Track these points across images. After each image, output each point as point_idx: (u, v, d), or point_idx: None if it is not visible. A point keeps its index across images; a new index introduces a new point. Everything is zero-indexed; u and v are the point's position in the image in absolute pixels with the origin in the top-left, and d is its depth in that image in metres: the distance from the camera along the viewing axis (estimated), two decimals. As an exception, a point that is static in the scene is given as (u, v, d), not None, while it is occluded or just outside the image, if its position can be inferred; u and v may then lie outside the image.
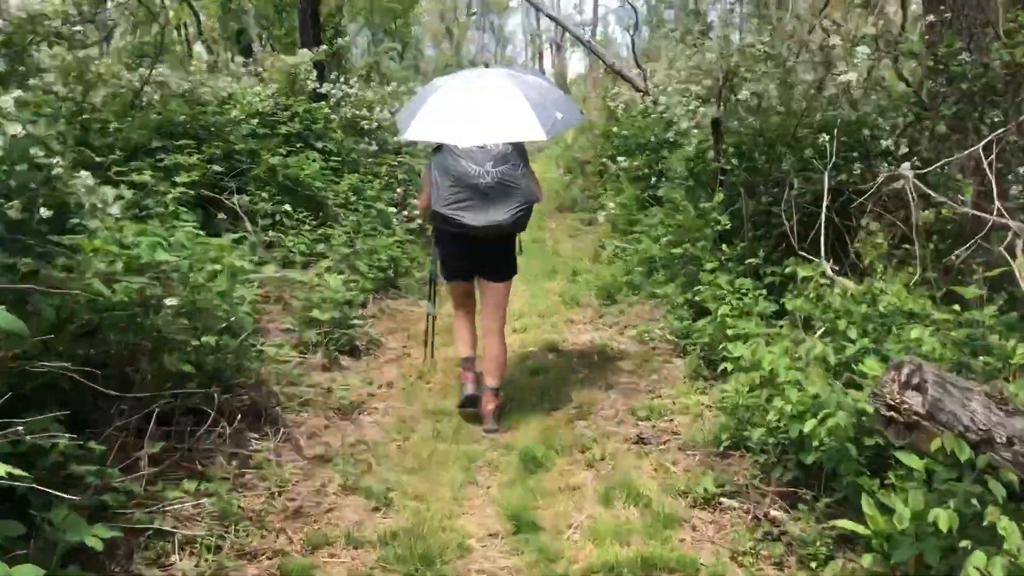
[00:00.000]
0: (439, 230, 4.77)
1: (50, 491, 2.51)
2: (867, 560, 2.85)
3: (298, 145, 9.36)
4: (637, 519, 3.52)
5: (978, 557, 2.44)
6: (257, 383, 4.63)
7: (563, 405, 4.88)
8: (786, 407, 3.73)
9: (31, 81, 5.55)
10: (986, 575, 2.43)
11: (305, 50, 10.71)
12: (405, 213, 9.69)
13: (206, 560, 3.12)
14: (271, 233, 6.89)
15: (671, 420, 4.59)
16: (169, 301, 4.16)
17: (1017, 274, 3.59)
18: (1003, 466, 2.50)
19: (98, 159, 6.04)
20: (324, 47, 11.37)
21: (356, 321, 5.90)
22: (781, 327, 5.13)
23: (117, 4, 8.74)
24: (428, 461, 4.18)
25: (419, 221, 9.63)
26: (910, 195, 4.49)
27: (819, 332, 4.73)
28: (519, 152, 4.62)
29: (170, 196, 5.83)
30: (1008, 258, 3.65)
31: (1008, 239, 3.73)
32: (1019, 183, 4.82)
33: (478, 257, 4.74)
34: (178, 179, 6.14)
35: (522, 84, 4.62)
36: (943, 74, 4.95)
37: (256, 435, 4.26)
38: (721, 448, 4.10)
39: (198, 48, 20.34)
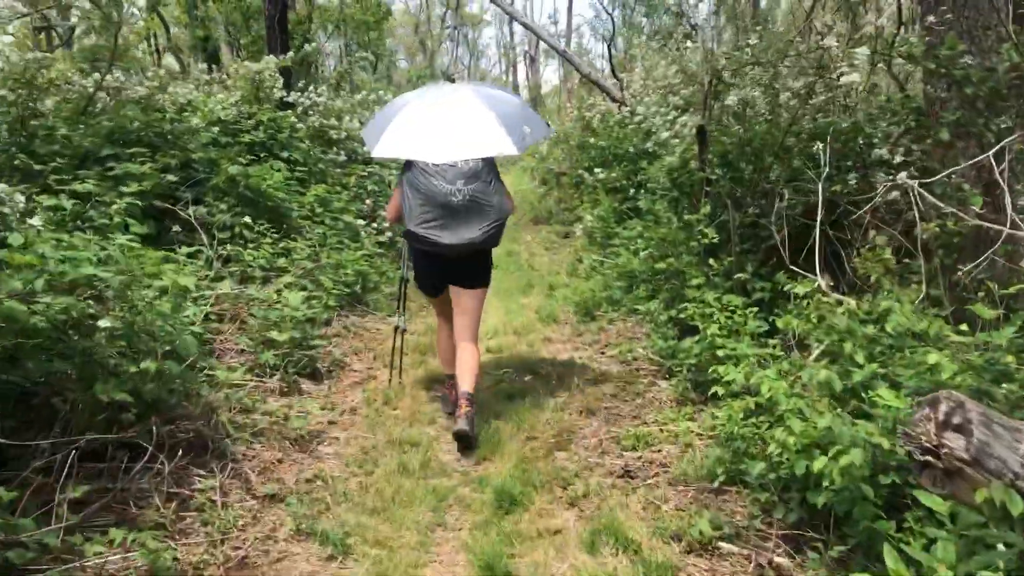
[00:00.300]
0: (412, 246, 4.73)
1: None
2: (893, 622, 2.48)
3: (262, 155, 8.96)
4: (627, 569, 3.12)
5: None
6: (205, 412, 4.20)
7: (541, 433, 4.49)
8: (789, 439, 3.37)
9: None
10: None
11: (270, 56, 10.28)
12: (375, 225, 9.28)
13: (130, 626, 2.70)
14: (229, 246, 6.45)
15: (659, 450, 4.22)
16: (102, 323, 3.74)
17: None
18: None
19: (37, 167, 5.59)
20: (290, 54, 10.93)
21: (318, 342, 5.48)
22: (774, 347, 4.81)
23: (64, 5, 8.30)
24: (392, 500, 3.77)
25: (388, 234, 9.24)
26: (915, 206, 4.17)
27: (815, 353, 4.41)
28: (490, 167, 4.55)
29: (115, 207, 5.39)
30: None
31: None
32: (1026, 194, 4.53)
33: (451, 271, 4.73)
34: (125, 189, 5.69)
35: (489, 99, 4.60)
36: (944, 78, 4.65)
37: (201, 471, 3.83)
38: (716, 483, 3.73)
39: (169, 58, 19.87)
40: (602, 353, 5.88)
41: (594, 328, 6.54)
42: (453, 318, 4.85)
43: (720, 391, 4.36)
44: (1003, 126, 4.29)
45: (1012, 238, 3.88)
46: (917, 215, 4.26)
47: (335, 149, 10.78)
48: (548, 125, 5.30)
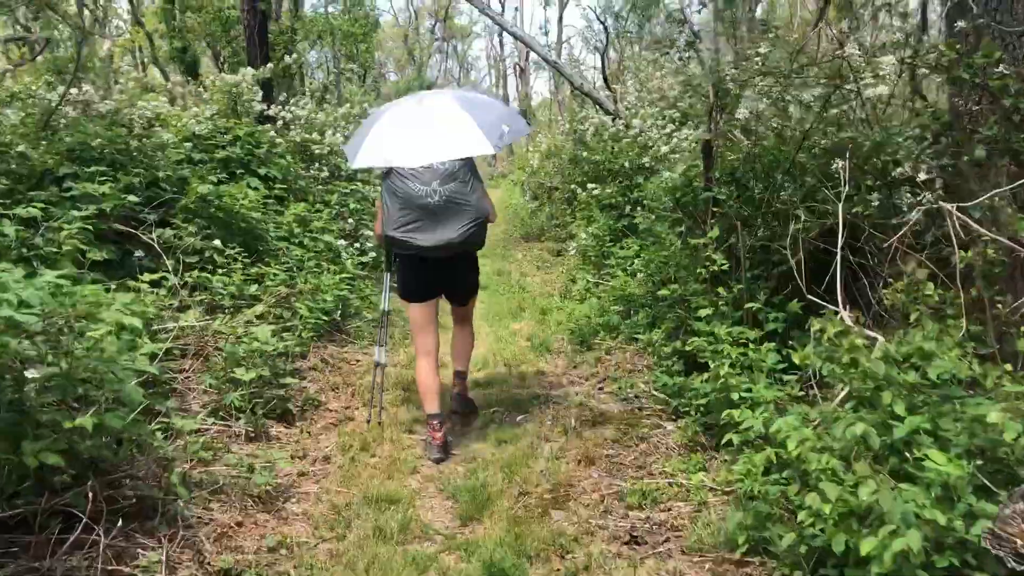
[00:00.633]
0: (397, 254, 4.74)
1: None
2: None
3: (239, 171, 8.48)
4: (638, 670, 2.65)
5: None
6: (156, 468, 3.70)
7: (535, 487, 4.01)
8: (824, 507, 2.91)
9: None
10: None
11: (247, 68, 9.82)
12: (357, 245, 8.81)
13: None
14: (196, 273, 5.96)
15: (668, 508, 3.74)
16: (31, 373, 3.27)
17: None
18: None
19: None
20: (269, 65, 10.47)
21: (290, 379, 5.00)
22: (792, 386, 4.35)
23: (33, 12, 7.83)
24: (366, 573, 3.28)
25: (372, 254, 8.77)
26: (952, 231, 3.74)
27: (840, 396, 3.96)
28: (467, 168, 4.57)
29: (64, 233, 4.91)
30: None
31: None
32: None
33: (436, 276, 4.70)
34: (77, 212, 5.20)
35: (464, 101, 4.65)
36: (977, 89, 4.22)
37: (147, 540, 3.34)
38: (737, 554, 3.26)
39: (154, 71, 19.38)
40: (600, 388, 5.40)
41: (591, 359, 6.07)
42: (452, 316, 5.05)
43: (735, 439, 3.90)
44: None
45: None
46: (955, 241, 3.81)
47: (317, 165, 10.32)
48: (528, 123, 5.27)
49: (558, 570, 3.28)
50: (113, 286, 5.22)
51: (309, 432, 4.77)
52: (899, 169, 4.79)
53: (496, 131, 4.48)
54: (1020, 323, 3.78)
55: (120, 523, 3.25)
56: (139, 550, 3.24)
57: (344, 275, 7.32)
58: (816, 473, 3.13)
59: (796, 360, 4.47)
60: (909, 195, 4.53)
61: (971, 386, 3.32)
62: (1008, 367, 3.34)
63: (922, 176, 4.75)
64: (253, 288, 6.08)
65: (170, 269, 5.80)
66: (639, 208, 8.89)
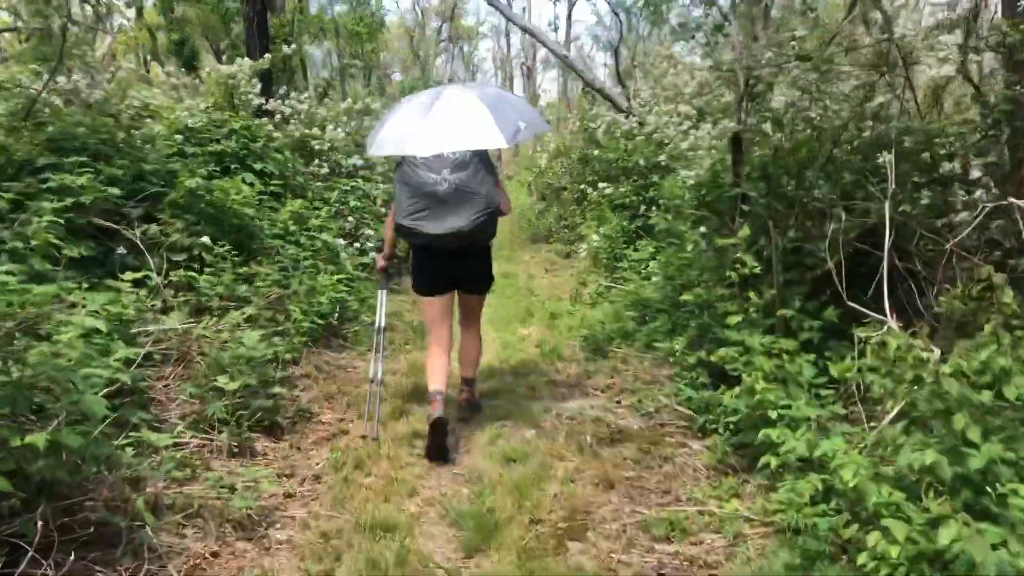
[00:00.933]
0: (409, 245, 4.78)
1: None
2: None
3: (233, 166, 8.07)
4: None
5: None
6: (122, 490, 3.28)
7: (548, 514, 3.58)
8: (890, 550, 2.49)
9: None
10: None
11: (244, 60, 9.41)
12: (357, 245, 8.39)
13: None
14: (182, 271, 5.54)
15: (699, 541, 3.31)
16: (-28, 383, 2.86)
17: None
18: None
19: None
20: (267, 56, 10.07)
21: (279, 389, 4.57)
22: (833, 402, 3.93)
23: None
24: (356, 616, 2.86)
25: (372, 255, 8.34)
26: (1024, 232, 3.32)
27: (892, 414, 3.54)
28: (480, 158, 4.49)
29: (33, 227, 4.50)
30: None
31: None
32: None
33: (447, 268, 4.63)
34: (47, 204, 4.79)
35: (482, 94, 4.59)
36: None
37: (108, 573, 2.92)
38: (784, 601, 2.83)
39: (156, 68, 19.00)
40: (618, 402, 4.97)
41: (606, 368, 5.64)
42: (458, 312, 4.89)
43: (772, 462, 3.48)
44: None
45: None
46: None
47: (317, 161, 9.90)
48: (547, 122, 5.15)
49: (577, 616, 2.85)
50: (87, 285, 4.85)
51: (299, 447, 4.35)
52: (949, 164, 4.36)
53: (511, 126, 4.41)
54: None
55: (74, 555, 2.84)
56: (96, 587, 2.82)
57: (342, 276, 6.89)
58: (877, 508, 2.71)
59: (835, 372, 4.08)
60: (963, 193, 4.10)
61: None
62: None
63: (975, 173, 4.33)
64: (243, 289, 5.65)
65: (153, 267, 5.38)
66: (654, 208, 8.48)
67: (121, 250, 5.58)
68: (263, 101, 10.39)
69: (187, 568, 3.09)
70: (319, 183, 9.37)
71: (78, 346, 3.41)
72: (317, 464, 4.15)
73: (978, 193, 4.27)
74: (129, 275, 5.30)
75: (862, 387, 4.01)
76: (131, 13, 20.99)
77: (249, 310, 5.41)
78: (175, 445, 4.02)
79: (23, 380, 2.97)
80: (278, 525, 3.52)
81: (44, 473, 2.94)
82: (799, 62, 4.50)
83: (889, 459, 3.36)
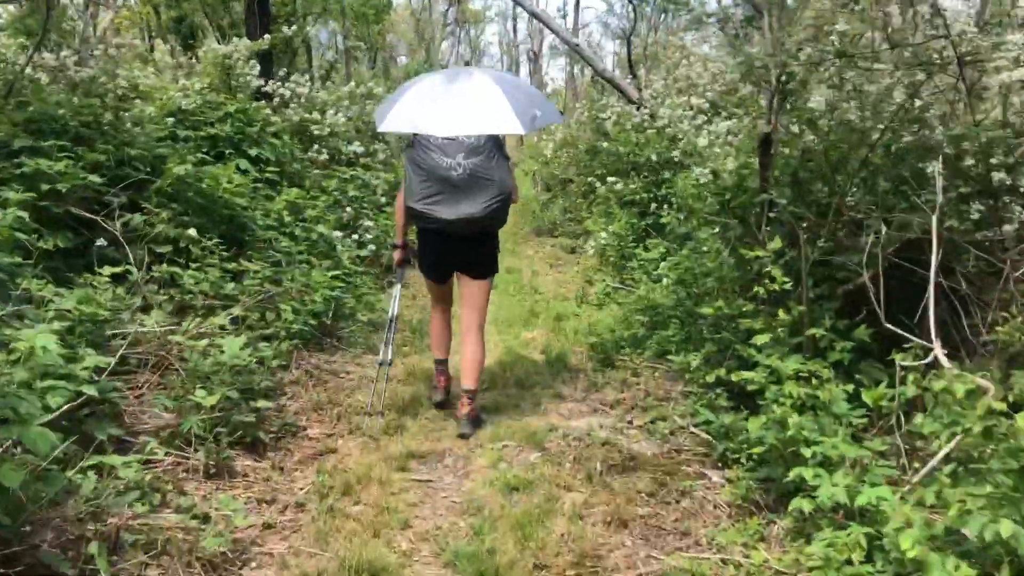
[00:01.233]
0: (418, 228, 4.71)
1: None
2: None
3: (228, 152, 7.70)
4: None
5: None
6: (76, 528, 2.93)
7: (554, 557, 3.22)
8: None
9: None
10: None
11: (242, 39, 9.01)
12: (355, 237, 8.01)
13: None
14: (165, 266, 5.17)
15: (724, 597, 2.96)
16: None
17: None
18: None
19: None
20: (267, 36, 9.66)
21: (263, 402, 4.20)
22: (874, 440, 3.56)
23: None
24: None
25: (371, 247, 7.99)
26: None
27: (939, 456, 3.19)
28: (494, 144, 4.45)
29: (-2, 217, 4.13)
30: None
31: None
32: None
33: (456, 253, 4.61)
34: (15, 195, 4.41)
35: (500, 80, 4.56)
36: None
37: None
38: None
39: (161, 46, 18.55)
40: (629, 422, 4.60)
41: (615, 380, 5.27)
42: (460, 307, 4.79)
43: (805, 506, 3.12)
44: None
45: None
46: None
47: (316, 147, 9.51)
48: (561, 113, 5.18)
49: None
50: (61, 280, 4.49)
51: (282, 467, 3.98)
52: (998, 176, 3.98)
53: (528, 113, 4.38)
54: None
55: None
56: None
57: (338, 271, 6.52)
58: (938, 580, 2.35)
59: (868, 400, 3.73)
60: (1020, 207, 3.72)
61: None
62: None
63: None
64: (230, 287, 5.29)
65: (133, 261, 5.01)
66: (666, 207, 8.09)
67: (101, 242, 5.21)
68: (262, 83, 10.00)
69: (147, 618, 2.73)
70: (317, 171, 8.98)
71: (43, 359, 3.05)
72: (301, 489, 3.79)
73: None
74: (107, 270, 4.95)
75: (901, 419, 3.66)
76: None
77: (236, 310, 5.05)
78: (147, 463, 3.68)
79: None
80: (254, 564, 3.17)
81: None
82: (839, 59, 4.12)
83: (937, 509, 3.02)
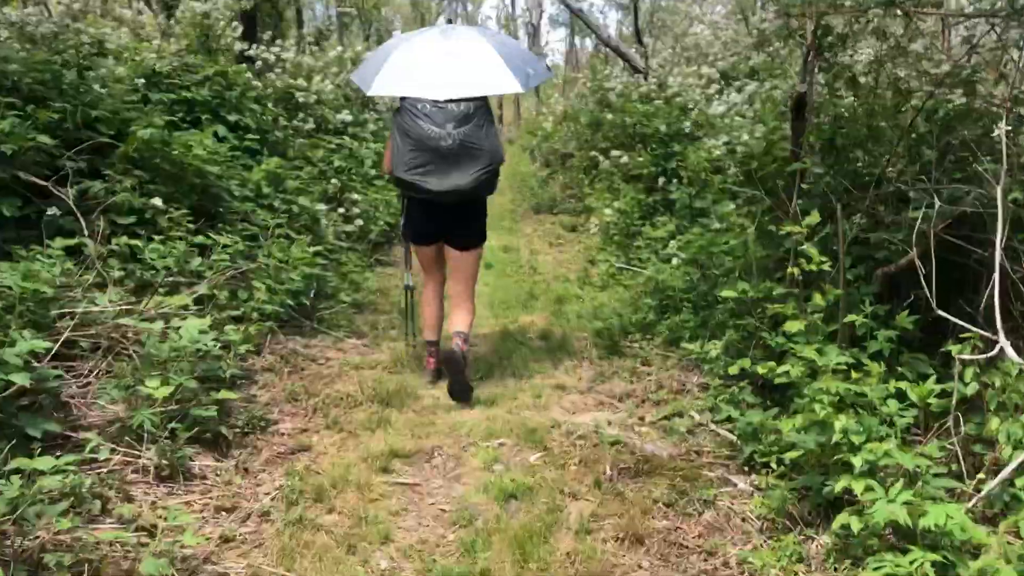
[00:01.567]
0: (406, 196, 4.63)
1: None
2: None
3: (205, 117, 7.16)
4: None
5: None
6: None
7: (560, 580, 2.75)
8: None
9: None
10: None
11: (223, -3, 8.44)
12: (341, 210, 7.49)
13: None
14: (124, 239, 4.65)
15: (762, 636, 2.48)
16: None
17: None
18: None
19: None
20: (251, -4, 9.09)
21: (226, 394, 3.69)
22: (931, 448, 3.08)
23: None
24: None
25: (359, 222, 7.47)
26: None
27: (1012, 465, 2.73)
28: (483, 111, 4.34)
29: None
30: None
31: None
32: None
33: (443, 221, 4.54)
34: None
35: (492, 39, 4.59)
36: None
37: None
38: None
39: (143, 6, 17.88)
40: (641, 418, 4.11)
41: (624, 370, 4.77)
42: (448, 279, 4.75)
43: (855, 525, 2.64)
44: None
45: None
46: None
47: (302, 115, 8.96)
48: (549, 69, 5.27)
49: None
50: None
51: (246, 468, 3.49)
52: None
53: (523, 72, 4.39)
54: None
55: None
56: None
57: (320, 247, 6.00)
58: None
59: (914, 397, 3.28)
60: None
61: None
62: None
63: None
64: (197, 262, 4.77)
65: (86, 233, 4.49)
66: (675, 181, 7.58)
67: (53, 211, 4.69)
68: (245, 47, 9.44)
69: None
70: (302, 139, 8.43)
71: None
72: (267, 495, 3.29)
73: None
74: (59, 242, 4.45)
75: (960, 421, 3.19)
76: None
77: (202, 288, 4.54)
78: (90, 464, 3.19)
79: None
80: (205, 588, 2.68)
81: None
82: (884, 7, 3.59)
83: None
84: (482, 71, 4.29)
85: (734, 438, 3.67)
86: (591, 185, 9.86)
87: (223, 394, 3.66)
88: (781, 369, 3.37)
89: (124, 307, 4.08)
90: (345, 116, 9.41)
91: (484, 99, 4.36)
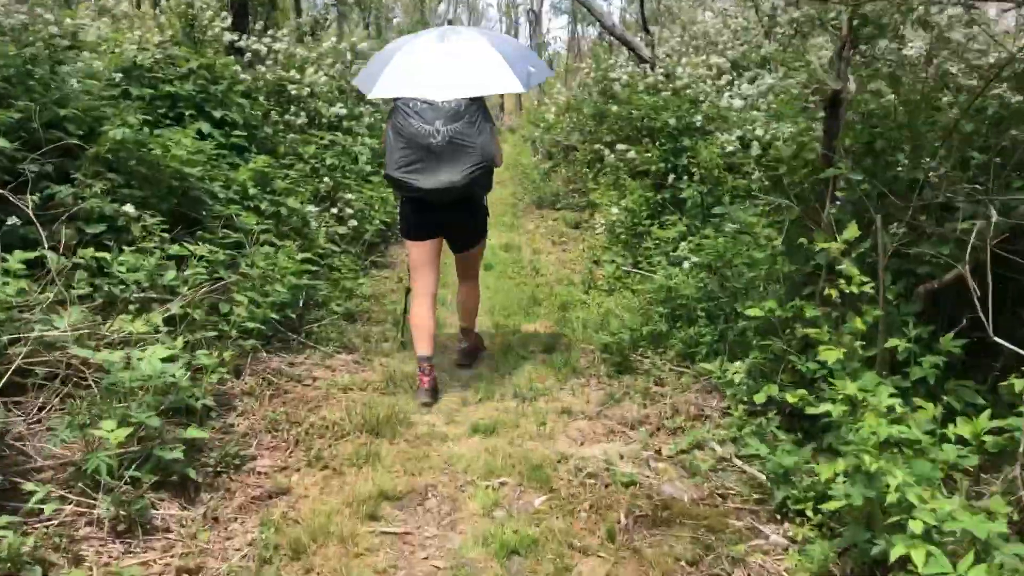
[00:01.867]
0: (398, 194, 4.65)
1: None
2: None
3: (189, 113, 6.75)
4: None
5: None
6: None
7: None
8: None
9: None
10: None
11: (208, -15, 8.01)
12: (334, 211, 7.10)
13: None
14: (90, 251, 4.26)
15: None
16: None
17: None
18: None
19: None
20: (238, -17, 8.66)
21: (194, 432, 3.31)
22: (996, 504, 2.69)
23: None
24: None
25: (353, 222, 7.08)
26: None
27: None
28: (476, 107, 4.29)
29: None
30: None
31: None
32: None
33: (437, 220, 4.49)
34: None
35: (492, 38, 4.56)
36: None
37: None
38: None
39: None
40: (657, 452, 3.72)
41: (635, 391, 4.38)
42: (455, 275, 4.92)
43: (914, 598, 2.26)
44: None
45: None
46: None
47: (293, 109, 8.55)
48: (550, 66, 4.66)
49: None
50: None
51: (215, 517, 3.11)
52: None
53: (523, 70, 4.35)
54: None
55: None
56: None
57: (310, 254, 5.61)
58: None
59: (965, 433, 2.90)
60: None
61: None
62: None
63: None
64: (171, 276, 4.37)
65: (47, 245, 4.10)
66: (685, 178, 7.17)
67: (13, 220, 4.30)
68: (235, 38, 9.02)
69: None
70: (293, 135, 8.02)
71: None
72: (237, 550, 2.91)
73: None
74: (18, 255, 4.06)
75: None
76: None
77: (174, 306, 4.15)
78: (36, 515, 2.82)
79: None
80: (156, 677, 2.30)
81: None
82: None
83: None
84: (483, 71, 4.26)
85: (763, 478, 3.28)
86: (596, 180, 9.44)
87: (191, 432, 3.28)
88: (822, 408, 2.97)
89: (85, 330, 3.69)
90: (339, 110, 8.99)
91: (478, 96, 4.30)
